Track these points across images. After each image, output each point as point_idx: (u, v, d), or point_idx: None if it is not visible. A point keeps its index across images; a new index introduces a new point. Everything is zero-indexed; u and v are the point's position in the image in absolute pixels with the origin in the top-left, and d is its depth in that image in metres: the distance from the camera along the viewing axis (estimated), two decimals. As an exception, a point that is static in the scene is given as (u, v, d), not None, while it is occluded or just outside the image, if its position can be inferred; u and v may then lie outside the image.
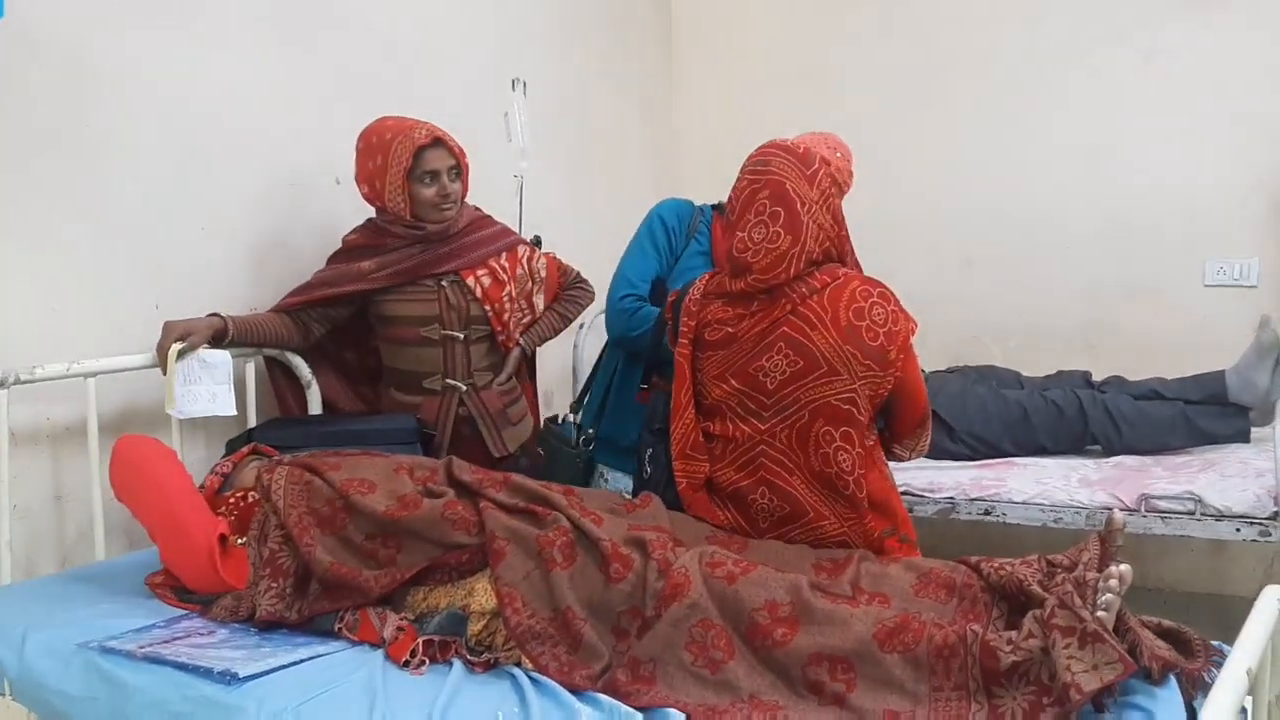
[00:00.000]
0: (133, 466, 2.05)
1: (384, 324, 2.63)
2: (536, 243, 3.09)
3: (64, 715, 1.78)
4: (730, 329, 2.06)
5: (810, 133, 2.78)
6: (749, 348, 2.04)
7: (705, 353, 2.10)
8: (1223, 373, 3.21)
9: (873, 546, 2.01)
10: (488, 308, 2.64)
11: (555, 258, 2.91)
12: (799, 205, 2.01)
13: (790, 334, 2.00)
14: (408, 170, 2.49)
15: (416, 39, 3.23)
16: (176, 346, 2.27)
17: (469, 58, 3.43)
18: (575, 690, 1.64)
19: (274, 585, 1.91)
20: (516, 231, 2.85)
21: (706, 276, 2.18)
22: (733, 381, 2.05)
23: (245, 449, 2.26)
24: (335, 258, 2.64)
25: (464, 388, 2.64)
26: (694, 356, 2.11)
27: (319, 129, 2.85)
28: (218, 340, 2.38)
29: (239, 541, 2.02)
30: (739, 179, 2.13)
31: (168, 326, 2.31)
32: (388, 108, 2.66)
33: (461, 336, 2.62)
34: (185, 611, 1.98)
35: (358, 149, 2.56)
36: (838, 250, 2.09)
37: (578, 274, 2.95)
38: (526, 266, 2.73)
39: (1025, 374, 3.58)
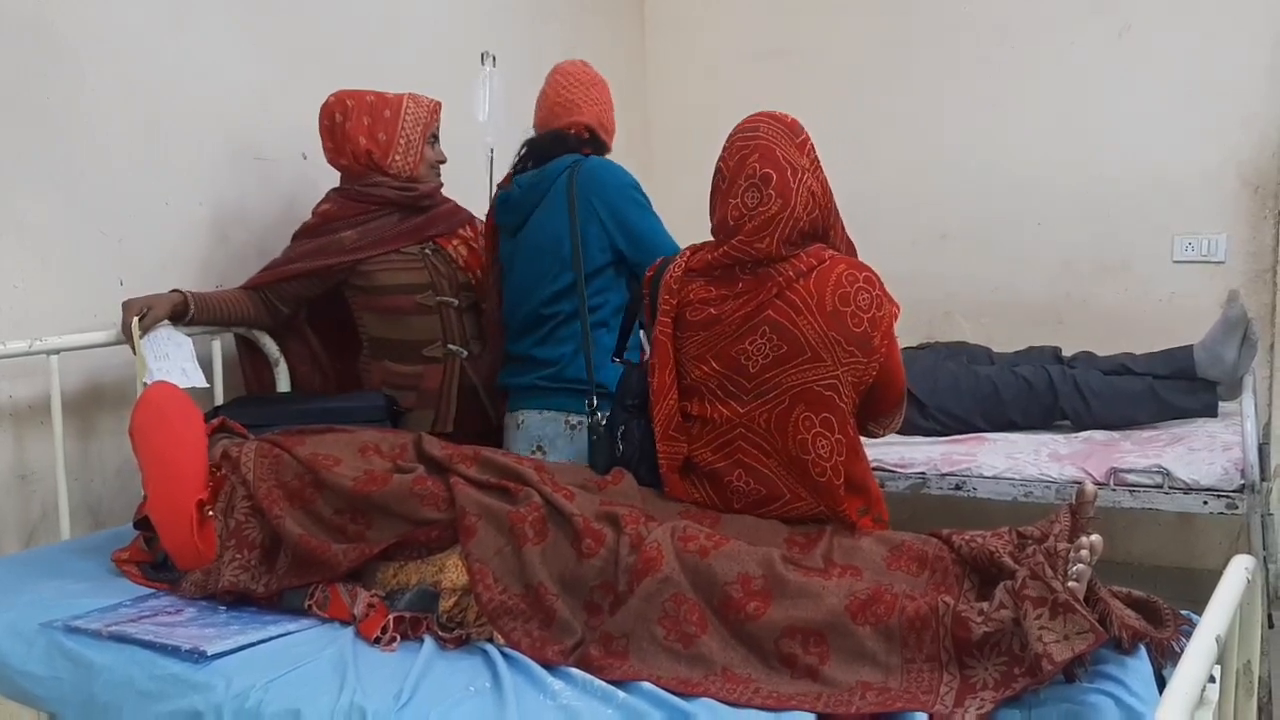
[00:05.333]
0: (159, 409, 2.08)
1: (374, 294, 2.57)
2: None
3: (29, 696, 1.76)
4: (713, 310, 2.03)
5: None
6: (732, 330, 2.01)
7: (685, 333, 2.07)
8: (1191, 348, 3.23)
9: (846, 525, 2.00)
10: (470, 276, 2.63)
11: None
12: (789, 172, 2.00)
13: (775, 318, 1.98)
14: (427, 129, 2.58)
15: (384, 11, 3.18)
16: (138, 320, 2.26)
17: (438, 30, 3.39)
18: (548, 665, 1.63)
19: (238, 557, 1.90)
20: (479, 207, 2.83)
21: (688, 253, 2.14)
22: (713, 363, 2.03)
23: (215, 421, 2.24)
24: (310, 231, 2.59)
25: (465, 353, 2.62)
26: (674, 336, 2.10)
27: (285, 102, 2.81)
28: (179, 316, 2.36)
29: (209, 513, 2.00)
30: (726, 147, 2.09)
31: (127, 304, 2.29)
32: (355, 80, 2.62)
33: (456, 303, 2.60)
34: (152, 590, 1.97)
35: (345, 109, 2.52)
36: (824, 223, 2.07)
37: None
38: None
39: (996, 350, 3.59)
